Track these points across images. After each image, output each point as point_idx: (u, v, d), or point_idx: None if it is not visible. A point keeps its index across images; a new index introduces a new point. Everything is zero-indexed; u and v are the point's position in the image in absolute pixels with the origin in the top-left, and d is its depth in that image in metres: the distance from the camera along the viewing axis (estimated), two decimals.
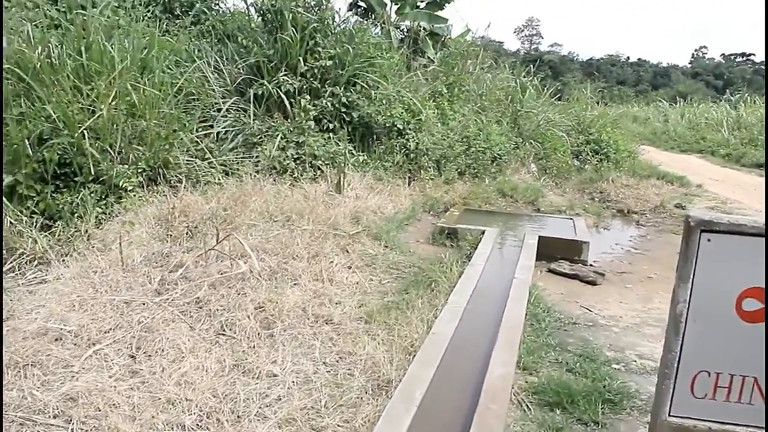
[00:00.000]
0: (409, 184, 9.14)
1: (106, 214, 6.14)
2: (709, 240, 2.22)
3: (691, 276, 2.29)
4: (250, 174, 7.47)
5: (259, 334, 4.13)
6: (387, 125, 9.27)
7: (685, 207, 9.56)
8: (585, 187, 10.99)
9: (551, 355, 4.17)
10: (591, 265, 6.53)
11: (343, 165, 8.15)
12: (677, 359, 2.41)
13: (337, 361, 3.90)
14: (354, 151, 9.05)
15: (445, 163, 9.86)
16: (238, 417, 3.22)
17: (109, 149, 6.47)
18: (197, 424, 3.14)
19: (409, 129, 9.44)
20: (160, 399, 3.32)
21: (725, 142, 20.14)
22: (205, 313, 4.31)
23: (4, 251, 4.97)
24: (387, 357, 3.86)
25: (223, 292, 4.62)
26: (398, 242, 6.58)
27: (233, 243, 5.56)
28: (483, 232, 6.79)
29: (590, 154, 13.18)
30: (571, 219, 8.06)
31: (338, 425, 3.18)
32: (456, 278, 5.31)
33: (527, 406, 3.50)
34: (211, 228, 5.74)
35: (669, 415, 2.48)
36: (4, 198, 5.37)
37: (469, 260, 5.87)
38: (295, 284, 5.00)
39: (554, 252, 6.56)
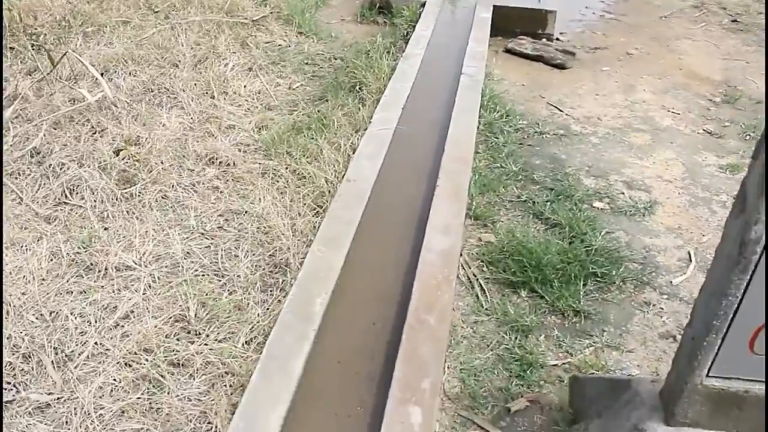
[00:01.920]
0: None
1: None
2: None
3: None
4: None
5: (115, 196, 2.97)
6: None
7: None
8: None
9: (513, 191, 3.13)
10: (557, 39, 5.28)
11: None
12: (736, 306, 1.37)
13: (219, 229, 2.82)
14: None
15: None
16: (67, 356, 2.18)
17: None
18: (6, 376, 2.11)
19: None
20: None
21: None
22: (43, 173, 3.09)
23: None
24: (287, 219, 2.79)
25: (71, 134, 3.36)
26: (316, 25, 5.18)
27: (92, 54, 4.17)
28: (423, 5, 5.37)
29: None
30: None
31: (208, 355, 2.17)
32: (387, 76, 4.06)
33: (480, 286, 2.52)
34: (68, 33, 4.31)
35: (708, 376, 1.51)
36: None
37: (406, 46, 4.56)
38: (173, 106, 3.74)
39: (513, 25, 5.24)
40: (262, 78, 4.20)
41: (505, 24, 5.18)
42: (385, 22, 5.43)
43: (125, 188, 3.02)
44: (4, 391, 2.02)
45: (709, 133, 3.81)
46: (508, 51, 4.97)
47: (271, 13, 5.14)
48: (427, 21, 5.01)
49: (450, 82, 3.93)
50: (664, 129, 3.82)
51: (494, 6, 5.30)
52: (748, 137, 3.76)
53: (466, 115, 3.45)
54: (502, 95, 4.09)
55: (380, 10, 5.51)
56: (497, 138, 3.58)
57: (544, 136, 3.70)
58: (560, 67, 4.69)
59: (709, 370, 1.50)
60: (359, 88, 3.99)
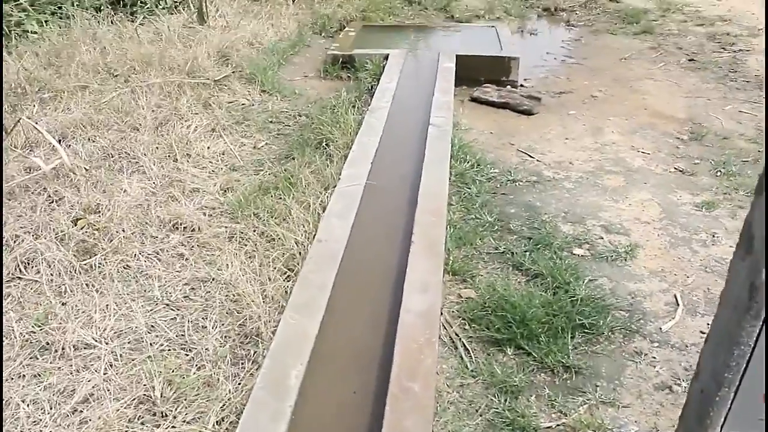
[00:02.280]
0: (293, 1, 7.41)
1: None
2: None
3: None
4: (84, 13, 5.67)
5: (74, 268, 2.81)
6: None
7: None
8: None
9: (490, 243, 3.03)
10: (522, 86, 5.29)
11: None
12: (749, 352, 1.27)
13: (186, 299, 2.66)
14: None
15: None
16: None
17: None
18: None
19: None
20: None
21: None
22: None
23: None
24: (257, 285, 2.65)
25: (26, 204, 3.22)
26: (279, 82, 5.13)
27: (49, 120, 4.05)
28: (386, 57, 5.37)
29: None
30: (492, 27, 6.63)
31: None
32: (354, 130, 3.99)
33: (464, 346, 2.39)
34: (23, 100, 4.20)
35: None
36: None
37: (371, 99, 4.51)
38: (134, 171, 3.61)
39: (477, 74, 5.25)
40: (226, 138, 4.10)
41: (469, 73, 5.19)
42: (348, 76, 5.41)
43: (84, 259, 2.86)
44: None
45: (680, 171, 3.78)
46: (473, 100, 4.95)
47: (233, 72, 5.09)
48: (391, 73, 4.99)
49: (418, 134, 3.86)
50: (636, 170, 3.78)
51: (457, 55, 5.32)
52: (719, 173, 3.74)
53: (437, 166, 3.37)
54: (471, 144, 4.04)
55: (343, 65, 5.49)
56: (470, 188, 3.50)
57: (516, 183, 3.63)
58: (527, 113, 4.67)
59: (721, 427, 1.39)
60: (326, 144, 3.91)
